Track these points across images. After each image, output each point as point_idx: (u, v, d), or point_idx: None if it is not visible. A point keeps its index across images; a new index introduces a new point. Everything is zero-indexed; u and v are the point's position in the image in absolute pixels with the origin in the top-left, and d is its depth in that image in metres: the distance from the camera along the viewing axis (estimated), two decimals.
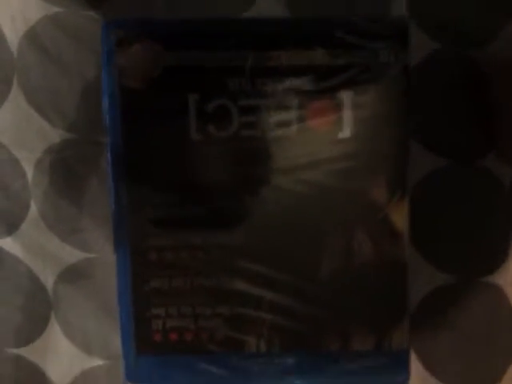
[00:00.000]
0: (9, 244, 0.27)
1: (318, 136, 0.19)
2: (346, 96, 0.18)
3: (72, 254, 0.27)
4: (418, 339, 0.26)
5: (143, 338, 0.20)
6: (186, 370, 0.20)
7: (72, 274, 0.27)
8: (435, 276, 0.25)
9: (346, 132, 0.18)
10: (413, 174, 0.24)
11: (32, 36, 0.24)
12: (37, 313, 0.28)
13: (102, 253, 0.27)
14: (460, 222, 0.25)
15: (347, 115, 0.18)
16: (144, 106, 0.18)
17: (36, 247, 0.27)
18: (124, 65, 0.18)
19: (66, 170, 0.26)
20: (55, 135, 0.25)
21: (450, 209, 0.25)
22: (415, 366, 0.25)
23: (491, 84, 0.24)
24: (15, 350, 0.28)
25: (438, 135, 0.24)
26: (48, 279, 0.27)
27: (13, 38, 0.24)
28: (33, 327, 0.28)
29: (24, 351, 0.28)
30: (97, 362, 0.28)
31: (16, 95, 0.25)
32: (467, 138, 0.24)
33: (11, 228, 0.27)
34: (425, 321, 0.26)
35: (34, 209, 0.26)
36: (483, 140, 0.24)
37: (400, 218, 0.19)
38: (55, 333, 0.28)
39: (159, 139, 0.19)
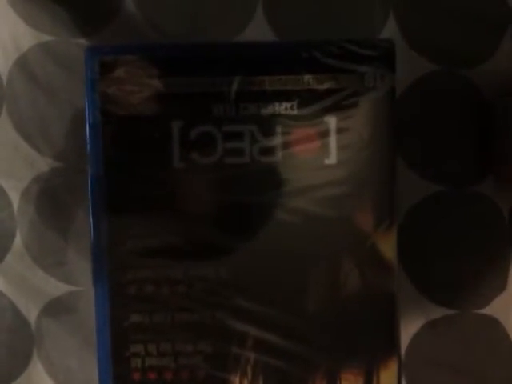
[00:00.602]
0: None
1: (304, 162, 0.18)
2: (331, 121, 0.18)
3: (56, 287, 0.26)
4: (412, 373, 0.25)
5: (122, 376, 0.19)
6: None
7: (56, 308, 0.26)
8: (429, 308, 0.24)
9: (332, 158, 0.18)
10: (406, 200, 0.23)
11: (22, 64, 0.24)
12: (19, 349, 0.27)
13: (86, 286, 0.26)
14: (456, 250, 0.24)
15: (333, 141, 0.18)
16: (126, 134, 0.18)
17: (19, 280, 0.26)
18: (107, 91, 0.18)
19: (52, 199, 0.25)
20: (43, 164, 0.25)
21: (445, 237, 0.24)
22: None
23: (487, 106, 0.24)
24: None
25: (434, 160, 0.24)
26: (31, 313, 0.26)
27: (3, 66, 0.24)
28: (15, 364, 0.27)
29: None
30: None
31: (4, 123, 0.25)
32: (463, 162, 0.24)
33: None
34: (419, 354, 0.24)
35: (18, 240, 0.26)
36: (480, 165, 0.24)
37: (389, 246, 0.18)
38: (37, 370, 0.27)
39: (141, 168, 0.18)
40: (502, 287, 0.25)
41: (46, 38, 0.24)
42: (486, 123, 0.24)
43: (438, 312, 0.25)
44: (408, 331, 0.25)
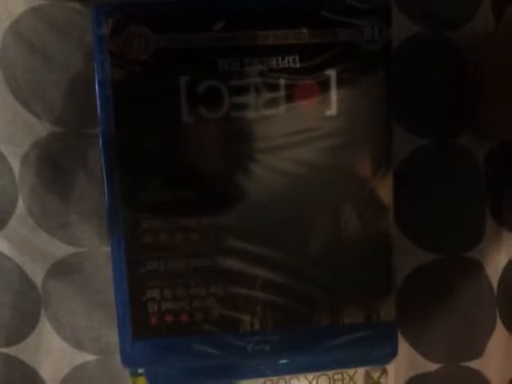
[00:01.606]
0: None
1: (306, 114, 0.19)
2: (332, 74, 0.19)
3: (60, 249, 0.27)
4: (403, 317, 0.26)
5: (139, 321, 0.20)
6: (182, 351, 0.20)
7: (61, 269, 0.27)
8: (418, 254, 0.26)
9: (332, 109, 0.19)
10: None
11: (16, 29, 0.24)
12: (27, 310, 0.27)
13: (90, 246, 0.26)
14: (441, 200, 0.26)
15: (333, 93, 0.19)
16: (135, 90, 0.19)
17: (24, 243, 0.27)
18: (114, 48, 0.18)
19: (53, 164, 0.26)
20: (42, 129, 0.25)
21: (431, 188, 0.26)
22: (400, 343, 0.25)
23: (465, 64, 0.25)
24: (6, 349, 0.28)
25: (417, 116, 0.25)
26: (37, 275, 0.27)
27: None
28: (23, 325, 0.28)
29: (15, 350, 0.28)
30: (88, 357, 0.28)
31: (1, 89, 0.25)
32: (444, 117, 0.25)
33: None
34: (409, 299, 0.26)
35: (21, 204, 0.26)
36: (459, 119, 0.25)
37: (385, 192, 0.20)
38: (46, 330, 0.28)
39: (150, 123, 0.19)
40: (482, 232, 0.26)
41: (39, 1, 0.24)
42: (464, 81, 0.25)
43: (426, 257, 0.26)
44: (398, 276, 0.26)
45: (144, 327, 0.20)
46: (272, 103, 0.19)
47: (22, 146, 0.25)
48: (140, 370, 0.22)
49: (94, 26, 0.18)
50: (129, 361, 0.20)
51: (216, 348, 0.20)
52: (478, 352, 0.27)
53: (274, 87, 0.19)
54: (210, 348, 0.20)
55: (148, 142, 0.19)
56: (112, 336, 0.26)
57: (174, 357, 0.20)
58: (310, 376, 0.23)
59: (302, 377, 0.23)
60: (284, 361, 0.21)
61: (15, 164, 0.26)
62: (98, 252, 0.26)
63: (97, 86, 0.18)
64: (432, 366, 0.27)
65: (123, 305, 0.20)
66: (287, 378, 0.23)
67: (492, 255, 0.27)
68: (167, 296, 0.20)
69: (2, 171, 0.26)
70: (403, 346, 0.27)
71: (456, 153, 0.26)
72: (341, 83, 0.19)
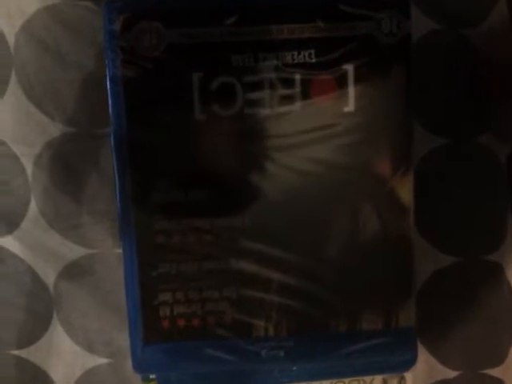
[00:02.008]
0: (9, 242, 0.26)
1: (323, 111, 0.18)
2: (349, 68, 0.18)
3: (73, 251, 0.26)
4: (422, 322, 0.25)
5: (151, 325, 0.19)
6: (194, 356, 0.20)
7: (73, 271, 0.27)
8: (437, 257, 0.25)
9: (350, 105, 0.18)
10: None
11: (29, 29, 0.24)
12: (39, 312, 0.27)
13: (103, 248, 0.26)
14: (461, 201, 0.25)
15: (351, 88, 0.18)
16: (147, 87, 0.18)
17: (36, 245, 0.26)
18: (126, 45, 0.18)
19: (65, 164, 0.25)
20: (55, 129, 0.25)
21: (450, 189, 0.25)
22: (419, 350, 0.25)
23: (483, 62, 0.24)
24: (18, 352, 0.28)
25: (436, 115, 0.24)
26: (49, 277, 0.27)
27: (9, 32, 0.24)
28: (35, 327, 0.27)
29: (26, 352, 0.28)
30: (100, 360, 0.27)
31: (14, 90, 0.25)
32: (464, 116, 0.24)
33: (11, 226, 0.26)
34: (427, 303, 0.25)
35: (33, 205, 0.26)
36: (480, 118, 0.24)
37: (406, 192, 0.19)
38: (58, 332, 0.27)
39: (163, 121, 0.19)
40: (504, 234, 0.25)
41: (52, 1, 0.24)
42: (483, 79, 0.24)
43: (445, 260, 0.25)
44: (419, 279, 0.25)
45: (155, 331, 0.19)
46: (287, 99, 0.18)
47: (35, 147, 0.25)
48: (151, 375, 0.21)
49: (106, 23, 0.18)
50: (140, 366, 0.20)
51: (229, 353, 0.19)
52: (498, 359, 0.26)
53: (289, 83, 0.18)
54: (222, 353, 0.19)
55: (160, 141, 0.19)
56: (124, 339, 0.25)
57: (185, 362, 0.20)
58: (326, 383, 0.22)
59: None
60: (299, 367, 0.20)
61: (28, 165, 0.26)
62: (111, 254, 0.26)
63: (108, 83, 0.18)
64: (451, 374, 0.27)
65: (134, 308, 0.19)
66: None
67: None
68: (179, 299, 0.19)
69: (15, 172, 0.26)
70: (421, 353, 0.26)
71: (477, 153, 0.25)
72: (358, 78, 0.18)
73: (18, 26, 0.24)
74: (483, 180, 0.25)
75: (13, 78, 0.25)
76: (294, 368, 0.20)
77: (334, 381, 0.22)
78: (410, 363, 0.20)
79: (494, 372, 0.27)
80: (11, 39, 0.24)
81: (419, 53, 0.23)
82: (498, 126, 0.24)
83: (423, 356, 0.26)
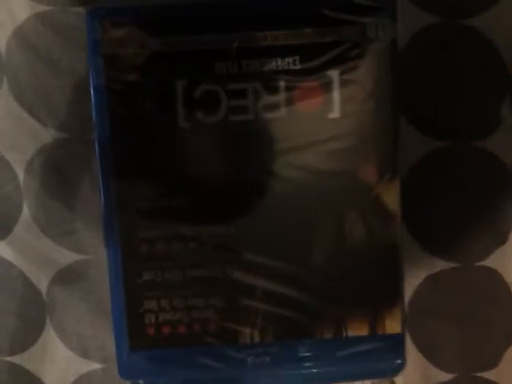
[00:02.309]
0: (1, 248, 0.26)
1: (308, 117, 0.18)
2: (334, 74, 0.18)
3: (66, 256, 0.26)
4: (415, 325, 0.25)
5: (136, 332, 0.19)
6: (180, 363, 0.19)
7: (66, 276, 0.26)
8: (431, 262, 0.25)
9: (335, 112, 0.18)
10: (408, 157, 0.24)
11: (20, 35, 0.24)
12: (32, 318, 0.27)
13: (95, 254, 0.26)
14: (456, 204, 0.25)
15: (336, 94, 0.18)
16: (131, 95, 0.18)
17: (29, 250, 0.26)
18: (109, 53, 0.18)
19: (57, 170, 0.25)
20: (47, 135, 0.25)
21: (445, 192, 0.25)
22: (412, 353, 0.24)
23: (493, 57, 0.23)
24: (10, 358, 0.28)
25: (435, 115, 0.24)
26: (42, 283, 0.27)
27: (1, 38, 0.24)
28: (28, 333, 0.27)
29: (20, 359, 0.28)
30: (94, 365, 0.27)
31: (6, 96, 0.25)
32: (468, 116, 0.24)
33: (4, 232, 0.26)
34: (421, 307, 0.25)
35: (26, 211, 0.26)
36: (485, 118, 0.24)
37: (392, 198, 0.19)
38: (51, 338, 0.27)
39: (147, 128, 0.19)
40: (501, 240, 0.25)
41: (43, 7, 0.24)
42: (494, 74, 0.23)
43: (439, 265, 0.25)
44: (410, 284, 0.25)
45: (141, 338, 0.19)
46: (272, 106, 0.18)
47: (27, 153, 0.25)
48: (140, 381, 0.21)
49: (89, 31, 0.18)
50: (126, 372, 0.20)
51: (215, 360, 0.19)
52: (493, 362, 0.26)
53: (273, 90, 0.18)
54: (209, 360, 0.19)
55: (145, 148, 0.18)
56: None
57: (172, 369, 0.20)
58: None
59: None
60: (286, 373, 0.20)
61: (20, 171, 0.26)
62: (104, 259, 0.26)
63: (92, 91, 0.18)
64: (445, 376, 0.26)
65: (120, 315, 0.19)
66: None
67: (510, 262, 0.26)
68: (165, 307, 0.19)
69: (6, 178, 0.26)
70: (414, 355, 0.26)
71: (479, 156, 0.24)
72: (344, 84, 0.18)
73: (10, 33, 0.24)
74: (485, 185, 0.25)
75: (4, 85, 0.25)
76: (281, 374, 0.20)
77: None
78: (398, 369, 0.20)
79: (489, 375, 0.26)
80: (3, 45, 0.24)
81: (415, 48, 0.23)
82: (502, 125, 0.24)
83: (416, 359, 0.26)
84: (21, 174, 0.26)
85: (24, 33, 0.24)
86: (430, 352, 0.26)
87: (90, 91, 0.20)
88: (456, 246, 0.25)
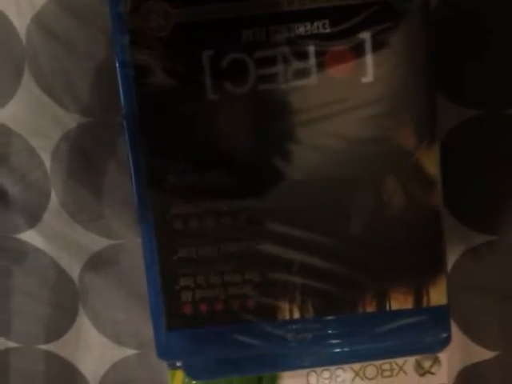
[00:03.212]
0: (31, 237, 0.26)
1: (340, 83, 0.18)
2: (365, 37, 0.17)
3: (96, 242, 0.26)
4: (455, 301, 0.24)
5: (173, 312, 0.19)
6: (219, 342, 0.19)
7: (97, 262, 0.26)
8: (469, 235, 0.24)
9: (368, 76, 0.17)
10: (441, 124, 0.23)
11: (39, 20, 0.24)
12: (65, 305, 0.27)
13: (126, 238, 0.26)
14: (492, 177, 0.24)
15: (369, 58, 0.17)
16: (157, 69, 0.18)
17: (59, 237, 0.26)
18: (134, 26, 0.17)
19: (83, 155, 0.25)
20: (70, 120, 0.25)
21: (481, 163, 0.24)
22: (453, 331, 0.24)
23: None
24: (46, 346, 0.28)
25: (466, 85, 0.23)
26: (74, 269, 0.27)
27: (20, 25, 0.24)
28: (62, 321, 0.27)
29: (54, 346, 0.28)
30: (128, 351, 0.27)
31: (28, 82, 0.25)
32: (497, 85, 0.23)
33: (33, 220, 0.26)
34: (460, 282, 0.24)
35: (54, 198, 0.26)
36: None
37: (431, 164, 0.18)
38: (84, 325, 0.27)
39: (174, 103, 0.18)
40: None
41: None
42: None
43: (476, 239, 0.24)
44: (448, 259, 0.24)
45: (178, 317, 0.19)
46: (302, 73, 0.18)
47: (52, 139, 0.25)
48: (178, 364, 0.21)
49: (112, 5, 0.17)
50: (164, 353, 0.19)
51: (254, 338, 0.19)
52: None
53: (303, 56, 0.17)
54: (247, 338, 0.19)
55: (173, 123, 0.18)
56: (151, 329, 0.25)
57: (210, 348, 0.19)
58: (357, 366, 0.22)
59: (347, 367, 0.22)
60: (328, 350, 0.19)
61: (46, 157, 0.25)
62: (134, 243, 0.26)
63: (118, 67, 0.18)
64: (488, 354, 0.26)
65: (156, 294, 0.19)
66: (332, 368, 0.22)
67: None
68: (201, 284, 0.19)
69: (33, 165, 0.26)
70: (456, 333, 0.25)
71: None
72: (376, 47, 0.17)
73: (29, 19, 0.24)
74: None
75: (26, 71, 0.25)
76: (323, 351, 0.19)
77: (365, 364, 0.22)
78: (444, 343, 0.19)
79: None
80: (23, 32, 0.24)
81: (447, 18, 0.22)
82: None
83: (458, 337, 0.25)
84: (47, 161, 0.26)
85: (43, 18, 0.24)
86: (470, 329, 0.25)
87: (111, 74, 0.19)
88: (493, 218, 0.24)
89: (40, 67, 0.25)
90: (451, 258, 0.25)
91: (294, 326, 0.19)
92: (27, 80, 0.25)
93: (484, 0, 0.22)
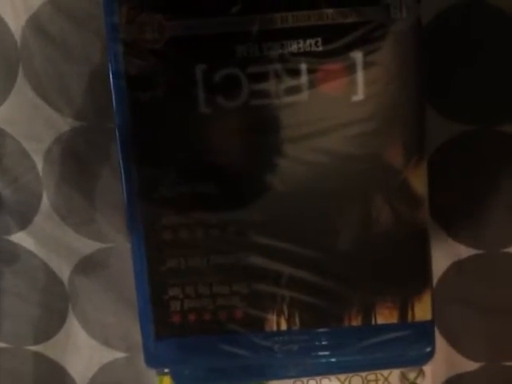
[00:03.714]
0: (22, 238, 0.26)
1: (331, 100, 0.18)
2: (357, 56, 0.17)
3: (87, 245, 0.26)
4: (441, 313, 0.25)
5: (161, 320, 0.19)
6: (207, 351, 0.19)
7: (87, 265, 0.27)
8: (456, 249, 0.24)
9: (359, 94, 0.18)
10: (431, 140, 0.23)
11: (35, 23, 0.24)
12: (54, 307, 0.27)
13: (116, 242, 0.26)
14: (481, 190, 0.24)
15: (360, 76, 0.17)
16: (150, 81, 0.18)
17: (50, 240, 0.26)
18: (128, 38, 0.18)
19: (76, 159, 0.25)
20: (64, 124, 0.25)
21: (470, 178, 0.24)
22: (438, 341, 0.24)
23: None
24: (35, 347, 0.28)
25: (457, 99, 0.23)
26: (64, 272, 0.27)
27: (15, 27, 0.24)
28: (51, 322, 0.28)
29: (43, 348, 0.28)
30: (117, 354, 0.28)
31: (22, 85, 0.25)
32: (491, 100, 0.23)
33: (24, 221, 0.26)
34: (447, 294, 0.25)
35: (46, 201, 0.26)
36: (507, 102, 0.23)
37: (419, 181, 0.18)
38: (74, 327, 0.28)
39: (167, 114, 0.18)
40: None
41: None
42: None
43: (464, 252, 0.25)
44: (435, 272, 0.25)
45: (167, 327, 0.19)
46: (294, 90, 0.18)
47: (45, 142, 0.25)
48: (166, 370, 0.21)
49: (107, 16, 0.17)
50: (152, 361, 0.20)
51: (241, 348, 0.19)
52: None
53: (295, 73, 0.18)
54: (235, 348, 0.19)
55: (165, 135, 0.18)
56: (139, 333, 0.26)
57: (198, 357, 0.19)
58: (342, 377, 0.22)
59: (333, 377, 0.22)
60: (314, 362, 0.20)
61: (38, 160, 0.26)
62: (125, 248, 0.26)
63: (111, 77, 0.18)
64: (472, 366, 0.26)
65: (145, 303, 0.19)
66: (318, 378, 0.22)
67: None
68: (189, 294, 0.19)
69: (25, 167, 0.26)
70: (441, 344, 0.25)
71: (502, 141, 0.24)
72: (367, 66, 0.17)
73: (24, 21, 0.24)
74: (508, 170, 0.24)
75: (20, 73, 0.25)
76: (309, 362, 0.20)
77: (351, 375, 0.22)
78: (427, 357, 0.20)
79: None
80: (18, 34, 0.24)
81: (438, 30, 0.22)
82: None
83: (443, 348, 0.26)
84: (40, 164, 0.26)
85: (39, 20, 0.24)
86: (456, 340, 0.26)
87: (106, 78, 0.19)
88: (481, 232, 0.25)
89: (34, 69, 0.25)
90: (438, 271, 0.25)
91: (281, 338, 0.19)
92: (21, 82, 0.25)
93: (475, 15, 0.22)
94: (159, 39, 0.18)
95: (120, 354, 0.28)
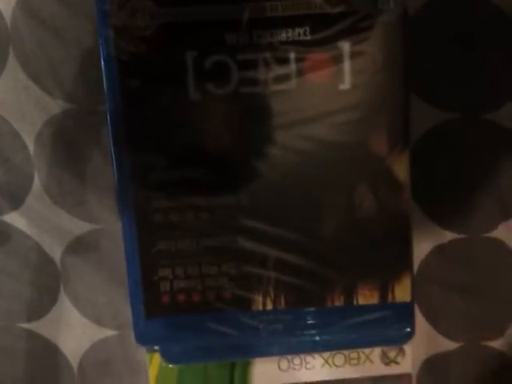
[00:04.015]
0: (15, 218, 0.27)
1: (318, 89, 0.18)
2: (345, 45, 0.18)
3: (78, 226, 0.27)
4: (422, 295, 0.26)
5: (152, 300, 0.20)
6: (195, 329, 0.20)
7: (79, 246, 0.27)
8: (439, 233, 0.25)
9: (346, 83, 0.18)
10: (415, 129, 0.24)
11: (25, 5, 0.24)
12: (46, 286, 0.28)
13: (108, 223, 0.27)
14: (463, 176, 0.25)
15: (347, 65, 0.18)
16: (141, 66, 0.18)
17: (42, 220, 0.27)
18: (119, 24, 0.18)
19: (67, 141, 0.26)
20: (55, 106, 0.25)
21: (453, 164, 0.25)
22: (419, 321, 0.25)
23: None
24: (27, 325, 0.28)
25: (442, 87, 0.24)
26: (55, 252, 0.27)
27: (6, 8, 0.24)
28: (43, 301, 0.28)
29: (35, 325, 0.28)
30: (108, 332, 0.28)
31: (13, 67, 0.25)
32: (475, 88, 0.24)
33: (16, 202, 0.27)
34: (428, 277, 0.25)
35: (37, 181, 0.26)
36: (495, 91, 0.24)
37: (402, 169, 0.19)
38: (66, 306, 0.28)
39: (158, 100, 0.19)
40: (508, 211, 0.25)
41: None
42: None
43: (446, 236, 0.25)
44: (417, 255, 0.26)
45: (157, 306, 0.20)
46: (282, 78, 0.18)
47: (36, 124, 0.25)
48: (156, 347, 0.22)
49: (98, 1, 0.18)
50: (142, 339, 0.20)
51: (228, 326, 0.20)
52: (500, 331, 0.27)
53: (283, 61, 0.18)
54: (222, 326, 0.20)
55: (156, 120, 0.19)
56: (130, 312, 0.26)
57: (187, 335, 0.20)
58: (326, 354, 0.23)
59: (317, 355, 0.23)
60: (298, 340, 0.20)
61: (29, 142, 0.26)
62: (116, 229, 0.26)
63: (102, 63, 0.18)
64: (452, 345, 0.27)
65: (136, 284, 0.20)
66: (303, 355, 0.23)
67: None
68: (179, 275, 0.19)
69: (16, 148, 0.26)
70: (421, 324, 0.26)
71: (486, 129, 0.24)
72: (354, 55, 0.18)
73: (15, 2, 0.24)
74: (494, 158, 0.25)
75: (11, 55, 0.25)
76: (293, 341, 0.21)
77: (334, 352, 0.23)
78: (407, 337, 0.21)
79: (496, 344, 0.27)
80: (8, 16, 0.24)
81: (425, 19, 0.22)
82: None
83: (423, 327, 0.27)
84: (31, 145, 0.26)
85: (29, 2, 0.24)
86: (436, 321, 0.27)
87: (97, 61, 0.20)
88: (464, 217, 0.25)
89: (25, 51, 0.25)
90: (422, 254, 0.26)
91: (267, 317, 0.20)
92: (12, 64, 0.25)
93: (462, 4, 0.23)
94: (150, 25, 0.18)
95: (111, 332, 0.28)
